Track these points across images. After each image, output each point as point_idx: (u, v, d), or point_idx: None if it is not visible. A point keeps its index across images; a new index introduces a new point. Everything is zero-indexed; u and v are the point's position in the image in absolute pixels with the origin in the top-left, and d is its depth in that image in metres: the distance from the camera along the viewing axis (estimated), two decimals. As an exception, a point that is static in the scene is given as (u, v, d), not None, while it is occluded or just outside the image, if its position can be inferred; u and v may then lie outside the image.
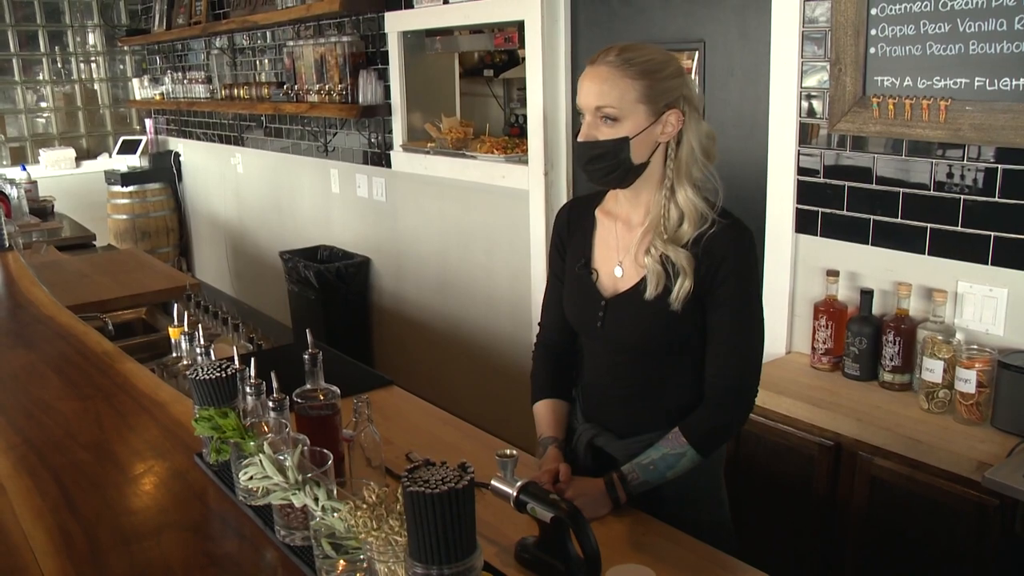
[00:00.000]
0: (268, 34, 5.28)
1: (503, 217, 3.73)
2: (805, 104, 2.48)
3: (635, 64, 1.56)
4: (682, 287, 1.58)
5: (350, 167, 4.73)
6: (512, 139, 3.88)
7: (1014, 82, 2.01)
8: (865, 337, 2.31)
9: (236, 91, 5.40)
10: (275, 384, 1.55)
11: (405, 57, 4.16)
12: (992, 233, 2.13)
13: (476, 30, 3.89)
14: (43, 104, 6.91)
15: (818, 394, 2.28)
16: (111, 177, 6.65)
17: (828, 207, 2.47)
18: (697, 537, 1.56)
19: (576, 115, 3.37)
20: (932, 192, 2.23)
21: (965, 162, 2.16)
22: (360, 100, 4.26)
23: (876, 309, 2.35)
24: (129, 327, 3.22)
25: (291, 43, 4.77)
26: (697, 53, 2.88)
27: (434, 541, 0.98)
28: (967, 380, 2.05)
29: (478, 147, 3.80)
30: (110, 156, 7.02)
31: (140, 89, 6.71)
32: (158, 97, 6.48)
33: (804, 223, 2.54)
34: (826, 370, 2.43)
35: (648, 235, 1.63)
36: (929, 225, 2.25)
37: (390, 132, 4.32)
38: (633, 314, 1.65)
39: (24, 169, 6.15)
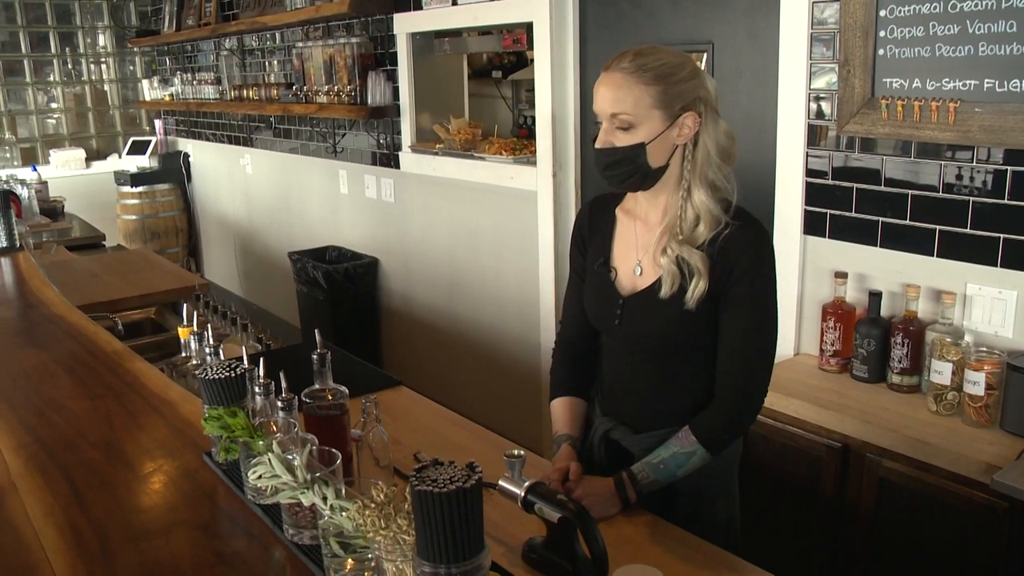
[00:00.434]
0: (277, 35, 5.29)
1: (511, 218, 3.74)
2: (814, 106, 2.48)
3: (649, 69, 1.56)
4: (696, 287, 1.58)
5: (359, 168, 4.74)
6: (520, 140, 3.88)
7: (1024, 84, 2.01)
8: (873, 339, 2.31)
9: (245, 92, 5.42)
10: (284, 384, 1.56)
11: (414, 58, 4.17)
12: (1001, 235, 2.13)
13: (485, 31, 3.89)
14: (53, 105, 6.95)
15: (826, 396, 2.27)
16: (121, 178, 6.68)
17: (837, 209, 2.47)
18: (712, 533, 1.59)
19: (584, 116, 3.37)
20: (941, 194, 2.23)
21: (974, 164, 2.15)
22: (369, 101, 4.27)
23: (884, 311, 2.35)
24: (139, 327, 3.24)
25: (300, 44, 4.79)
26: (705, 55, 2.88)
27: (442, 540, 0.99)
28: (976, 382, 2.04)
29: (486, 148, 3.80)
30: (120, 157, 7.05)
31: (150, 90, 6.74)
32: (167, 98, 6.51)
33: (812, 225, 2.54)
34: (834, 372, 2.43)
35: (666, 235, 1.64)
36: (938, 227, 2.25)
37: (399, 133, 4.32)
38: (650, 313, 1.66)
39: (35, 170, 6.19)
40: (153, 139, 6.97)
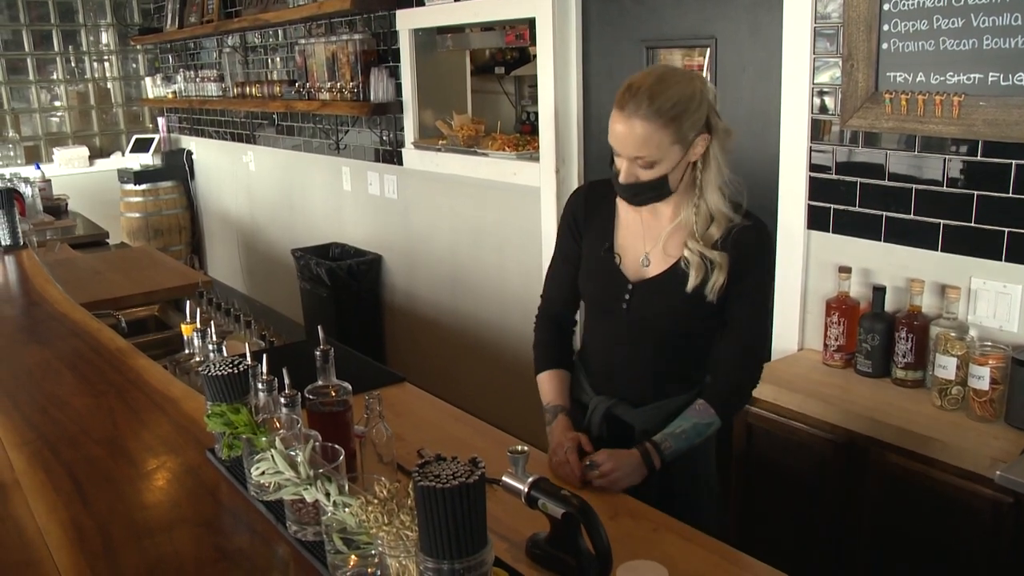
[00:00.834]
0: (280, 32, 5.29)
1: (515, 214, 3.73)
2: (817, 100, 2.47)
3: (665, 112, 1.63)
4: (717, 282, 1.73)
5: (362, 165, 4.74)
6: (523, 136, 3.88)
7: (1028, 77, 2.00)
8: (877, 334, 2.30)
9: (248, 89, 5.42)
10: (287, 380, 1.56)
11: (416, 55, 4.16)
12: (1006, 229, 2.12)
13: (487, 27, 3.89)
14: (57, 103, 6.95)
15: (830, 391, 2.27)
16: (124, 175, 6.68)
17: (840, 203, 2.46)
18: (692, 489, 1.82)
19: (587, 112, 3.37)
20: (945, 188, 2.22)
21: (979, 158, 2.15)
22: (372, 98, 4.27)
23: (888, 306, 2.34)
24: (142, 324, 3.24)
25: (303, 41, 4.78)
26: (708, 50, 2.88)
27: (445, 536, 0.98)
28: (981, 377, 2.04)
29: (489, 144, 3.79)
30: (123, 155, 7.05)
31: (153, 88, 6.75)
32: (170, 95, 6.51)
33: (816, 220, 2.53)
34: (838, 367, 2.42)
35: (680, 231, 1.77)
36: (942, 221, 2.24)
37: (401, 130, 4.32)
38: (660, 299, 1.79)
39: (38, 168, 6.19)
40: (156, 137, 6.97)
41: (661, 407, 1.82)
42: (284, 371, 1.56)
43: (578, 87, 3.38)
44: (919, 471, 2.00)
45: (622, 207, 1.84)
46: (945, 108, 2.14)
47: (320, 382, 1.61)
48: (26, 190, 4.99)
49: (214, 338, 1.97)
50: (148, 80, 6.88)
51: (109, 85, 7.18)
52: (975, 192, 2.16)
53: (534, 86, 3.73)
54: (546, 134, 3.44)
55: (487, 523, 1.05)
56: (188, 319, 2.24)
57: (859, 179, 2.41)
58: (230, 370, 1.57)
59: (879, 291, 2.33)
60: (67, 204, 5.49)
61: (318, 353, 1.61)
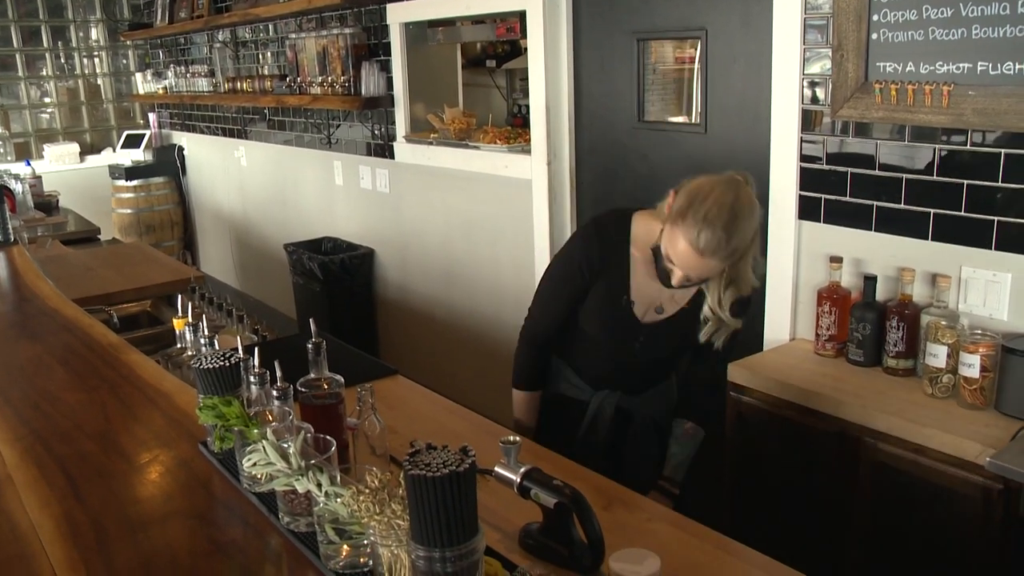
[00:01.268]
0: (270, 27, 5.28)
1: (507, 207, 3.73)
2: (808, 91, 2.47)
3: (737, 251, 1.76)
4: (722, 336, 1.94)
5: (353, 159, 4.73)
6: (515, 129, 3.88)
7: (1017, 66, 2.01)
8: (869, 323, 2.31)
9: (239, 84, 5.40)
10: (279, 373, 1.56)
11: (407, 48, 4.16)
12: (996, 218, 2.13)
13: (478, 20, 3.89)
14: (47, 99, 6.92)
15: (822, 380, 2.28)
16: (115, 171, 6.66)
17: (831, 193, 2.47)
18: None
19: (578, 104, 3.38)
20: (935, 177, 2.23)
21: (968, 147, 2.15)
22: (363, 92, 4.26)
23: (880, 295, 2.35)
24: (134, 320, 3.23)
25: (293, 36, 4.77)
26: (699, 41, 2.88)
27: (436, 524, 0.99)
28: (971, 365, 2.04)
29: (481, 137, 3.79)
30: (114, 150, 7.03)
31: (143, 83, 6.72)
32: (161, 91, 6.49)
33: (807, 210, 2.54)
34: (830, 356, 2.43)
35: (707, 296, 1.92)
36: (932, 210, 2.25)
37: (393, 123, 4.31)
38: (669, 338, 2.01)
39: (28, 164, 6.17)
40: (147, 132, 6.95)
41: (659, 389, 2.10)
42: (276, 363, 1.56)
43: (569, 79, 3.38)
44: (910, 459, 2.01)
45: (637, 259, 1.94)
46: (935, 98, 2.15)
47: (312, 375, 1.61)
48: (16, 187, 4.97)
49: (206, 332, 1.97)
50: (138, 76, 6.86)
51: (99, 81, 7.15)
52: (965, 181, 2.17)
53: (525, 79, 3.73)
54: (537, 127, 3.44)
55: (479, 513, 1.05)
56: (180, 314, 2.23)
57: (850, 169, 2.41)
58: (222, 363, 1.57)
59: (870, 280, 2.33)
60: (58, 200, 5.47)
61: (310, 346, 1.61)
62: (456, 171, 3.96)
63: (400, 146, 4.28)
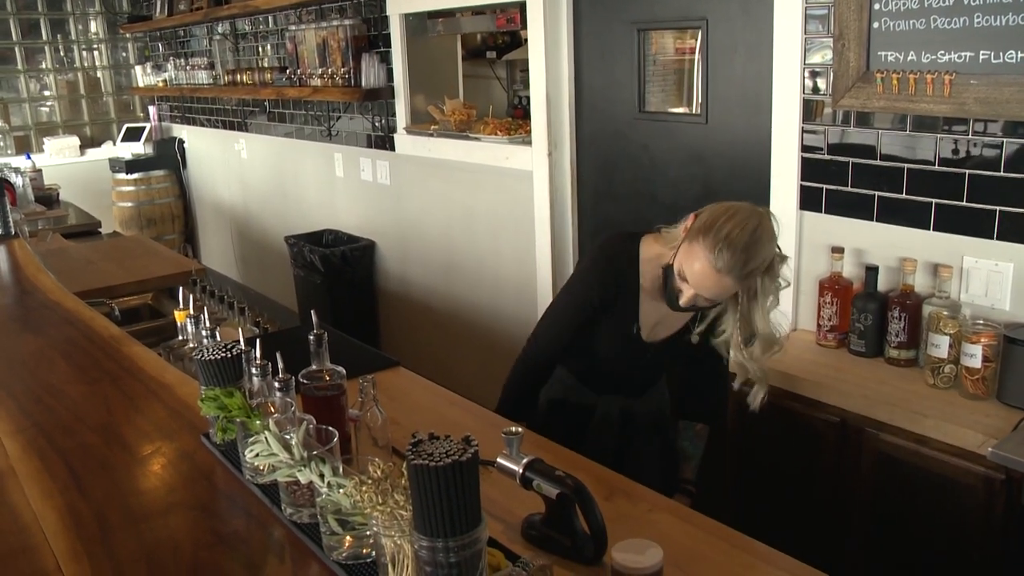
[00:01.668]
0: (270, 19, 5.26)
1: (508, 198, 3.73)
2: (809, 81, 2.47)
3: (752, 272, 1.76)
4: (759, 393, 1.93)
5: (354, 151, 4.72)
6: (515, 120, 3.87)
7: (1019, 55, 2.00)
8: (870, 313, 2.30)
9: (239, 76, 5.39)
10: (280, 365, 1.56)
11: (407, 39, 4.15)
12: (998, 208, 2.12)
13: (478, 11, 3.87)
14: (46, 92, 6.91)
15: (824, 371, 2.28)
16: (116, 165, 6.66)
17: (832, 184, 2.46)
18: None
19: (579, 95, 3.37)
20: (937, 167, 2.22)
21: (970, 136, 2.15)
22: (363, 83, 4.25)
23: (881, 285, 2.34)
24: (135, 313, 3.23)
25: (293, 27, 4.76)
26: (700, 31, 2.87)
27: (439, 514, 0.99)
28: (973, 355, 2.04)
29: (482, 129, 3.79)
30: (114, 144, 7.02)
31: (143, 76, 6.71)
32: (161, 84, 6.48)
33: (808, 200, 2.53)
34: (832, 347, 2.43)
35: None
36: (934, 200, 2.25)
37: (393, 115, 4.31)
38: (674, 353, 2.05)
39: (29, 158, 6.16)
40: (147, 125, 6.94)
41: (658, 387, 2.13)
42: (277, 355, 1.56)
43: (570, 70, 3.37)
44: (912, 449, 2.01)
45: (645, 293, 1.95)
46: (936, 87, 2.14)
47: (314, 367, 1.61)
48: (17, 180, 4.97)
49: (207, 325, 1.97)
50: (138, 69, 6.84)
51: (99, 74, 7.13)
52: (967, 171, 2.17)
53: (525, 70, 3.72)
54: (538, 118, 3.43)
55: (482, 504, 1.05)
56: (181, 305, 2.23)
57: (851, 159, 2.41)
58: (223, 354, 1.57)
59: (872, 271, 2.33)
60: (58, 194, 5.46)
61: (312, 337, 1.61)
62: (457, 163, 3.95)
63: (401, 138, 4.28)
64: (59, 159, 6.68)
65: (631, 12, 3.09)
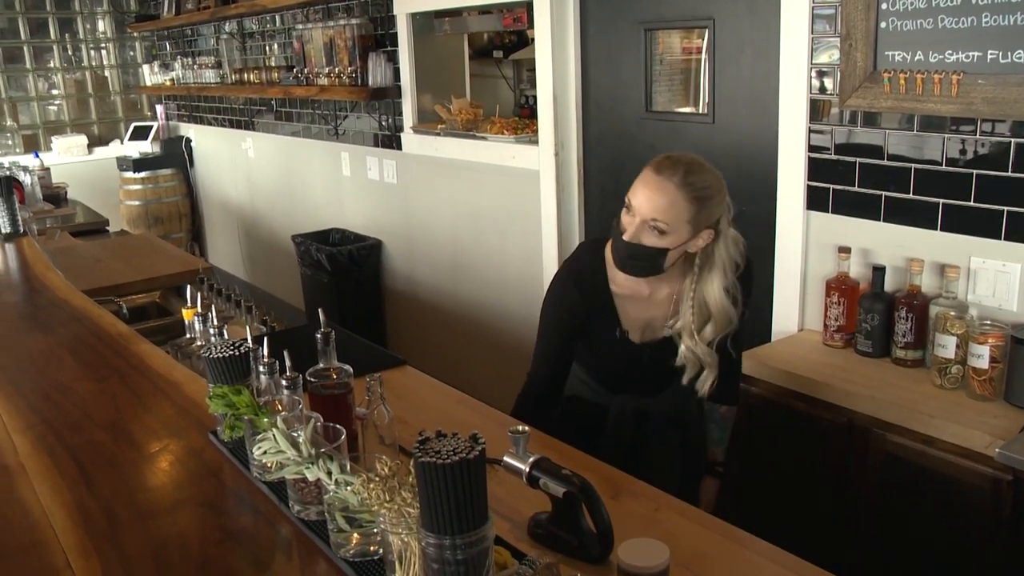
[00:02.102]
0: (277, 18, 5.27)
1: (514, 197, 3.73)
2: (816, 81, 2.46)
3: (696, 189, 1.75)
4: (708, 379, 1.90)
5: (361, 150, 4.73)
6: (522, 120, 3.87)
7: (1027, 55, 2.00)
8: (877, 314, 2.30)
9: (246, 75, 5.40)
10: (288, 363, 1.56)
11: (414, 39, 4.15)
12: (1005, 208, 2.12)
13: (485, 11, 3.87)
14: (54, 91, 6.93)
15: (830, 371, 2.27)
16: (123, 163, 6.68)
17: (839, 184, 2.46)
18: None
19: (586, 95, 3.37)
20: (944, 167, 2.22)
21: (978, 136, 2.14)
22: (370, 83, 4.26)
23: (888, 286, 2.34)
24: (143, 311, 3.24)
25: (300, 26, 4.77)
26: (707, 31, 2.87)
27: (446, 511, 0.99)
28: (980, 356, 2.04)
29: (488, 128, 3.79)
30: (122, 142, 7.04)
31: (150, 75, 6.73)
32: (168, 83, 6.49)
33: (815, 200, 2.53)
34: (838, 347, 2.43)
35: (678, 303, 1.91)
36: (941, 200, 2.24)
37: (400, 114, 4.31)
38: (673, 353, 1.95)
39: (37, 156, 6.19)
40: (155, 124, 6.96)
41: (673, 389, 2.03)
42: (285, 353, 1.56)
43: (576, 70, 3.37)
44: (919, 450, 2.00)
45: (618, 294, 1.94)
46: (944, 87, 2.14)
47: (321, 365, 1.62)
48: (25, 178, 4.99)
49: (215, 322, 1.98)
50: (146, 67, 6.87)
51: (107, 73, 7.16)
52: (974, 171, 2.16)
53: (532, 69, 3.73)
54: (544, 117, 3.44)
55: (488, 502, 1.06)
56: (189, 303, 2.24)
57: (858, 159, 2.40)
58: (231, 352, 1.57)
59: (879, 271, 2.33)
60: (66, 192, 5.49)
61: (319, 336, 1.61)
62: (463, 162, 3.96)
63: (407, 137, 4.28)
64: (67, 158, 6.71)
65: (638, 12, 3.09)
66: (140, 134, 6.90)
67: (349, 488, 1.19)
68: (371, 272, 4.73)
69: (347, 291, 4.64)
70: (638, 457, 1.99)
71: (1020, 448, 1.81)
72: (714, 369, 1.89)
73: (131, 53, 7.25)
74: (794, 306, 2.61)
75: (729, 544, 1.45)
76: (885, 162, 2.34)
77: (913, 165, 2.28)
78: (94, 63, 7.07)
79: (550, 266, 3.57)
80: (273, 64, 5.32)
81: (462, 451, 1.00)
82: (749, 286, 1.93)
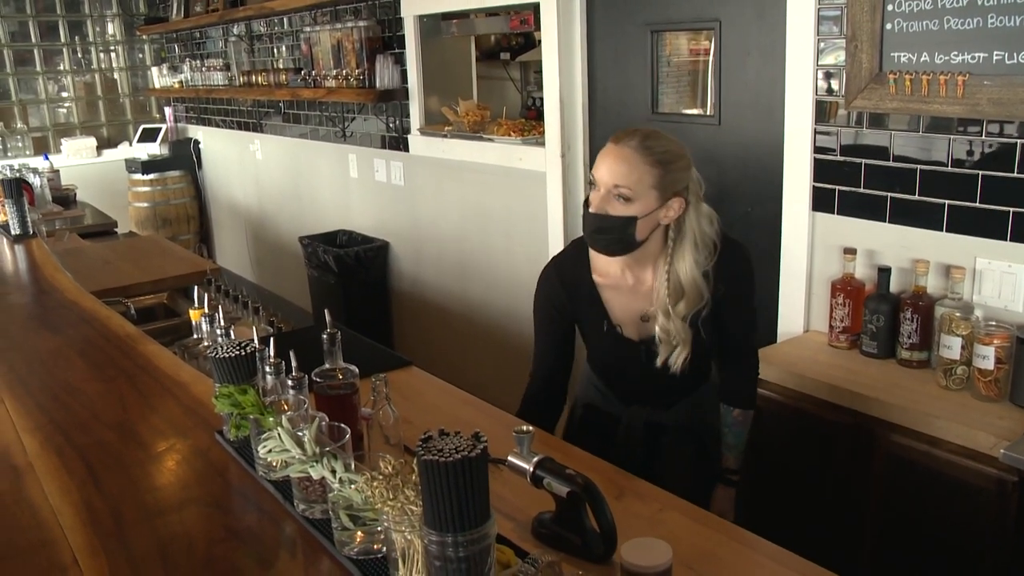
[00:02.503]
0: (285, 20, 5.29)
1: (521, 199, 3.74)
2: (822, 82, 2.47)
3: (655, 153, 1.73)
4: (680, 356, 1.84)
5: (368, 152, 4.75)
6: (529, 122, 3.88)
7: (1033, 56, 2.00)
8: (883, 315, 2.30)
9: (254, 78, 5.42)
10: (294, 363, 1.57)
11: (421, 41, 4.17)
12: (1011, 209, 2.12)
13: (492, 13, 3.88)
14: (64, 94, 6.97)
15: (836, 372, 2.27)
16: (132, 165, 6.70)
17: (845, 185, 2.46)
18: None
19: (592, 97, 3.37)
20: (950, 168, 2.22)
21: (984, 137, 2.14)
22: (377, 85, 4.27)
23: (894, 287, 2.34)
24: (151, 312, 3.26)
25: (308, 29, 4.79)
26: (713, 33, 2.87)
27: (448, 509, 1.00)
28: (985, 357, 2.04)
29: (495, 130, 3.80)
30: (131, 144, 7.07)
31: (159, 77, 6.75)
32: (177, 85, 6.52)
33: (821, 201, 2.53)
34: (844, 348, 2.43)
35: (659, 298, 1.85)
36: (947, 202, 2.24)
37: (407, 116, 4.32)
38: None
39: (46, 158, 6.22)
40: (163, 126, 6.99)
41: (689, 401, 2.00)
42: (291, 354, 1.57)
43: (583, 72, 3.38)
44: (924, 451, 2.00)
45: (601, 283, 1.91)
46: (949, 88, 2.14)
47: (327, 365, 1.63)
48: (35, 180, 5.02)
49: (222, 323, 1.99)
50: (154, 70, 6.89)
51: (116, 75, 7.19)
52: (980, 172, 2.16)
53: (539, 71, 3.73)
54: (551, 119, 3.44)
55: (492, 502, 1.06)
56: (196, 304, 2.25)
57: (864, 160, 2.40)
58: (237, 352, 1.58)
59: (884, 272, 2.33)
60: (75, 194, 5.52)
61: (325, 336, 1.62)
62: (470, 164, 3.97)
63: (414, 139, 4.29)
64: (76, 160, 6.74)
65: (644, 14, 3.09)
66: (149, 136, 6.93)
67: (353, 486, 1.20)
68: (378, 273, 4.74)
69: (354, 292, 4.66)
70: (651, 469, 1.91)
71: (1025, 449, 1.80)
72: (687, 346, 1.83)
73: (140, 56, 7.28)
74: (799, 307, 2.61)
75: (733, 544, 1.45)
76: (891, 163, 2.34)
77: (919, 166, 2.28)
78: (103, 66, 7.10)
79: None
80: (281, 66, 5.33)
81: (464, 449, 1.00)
82: (734, 266, 1.87)
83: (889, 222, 2.37)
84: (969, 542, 1.96)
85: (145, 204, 6.71)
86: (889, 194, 2.36)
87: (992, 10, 2.04)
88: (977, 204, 2.18)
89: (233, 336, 1.94)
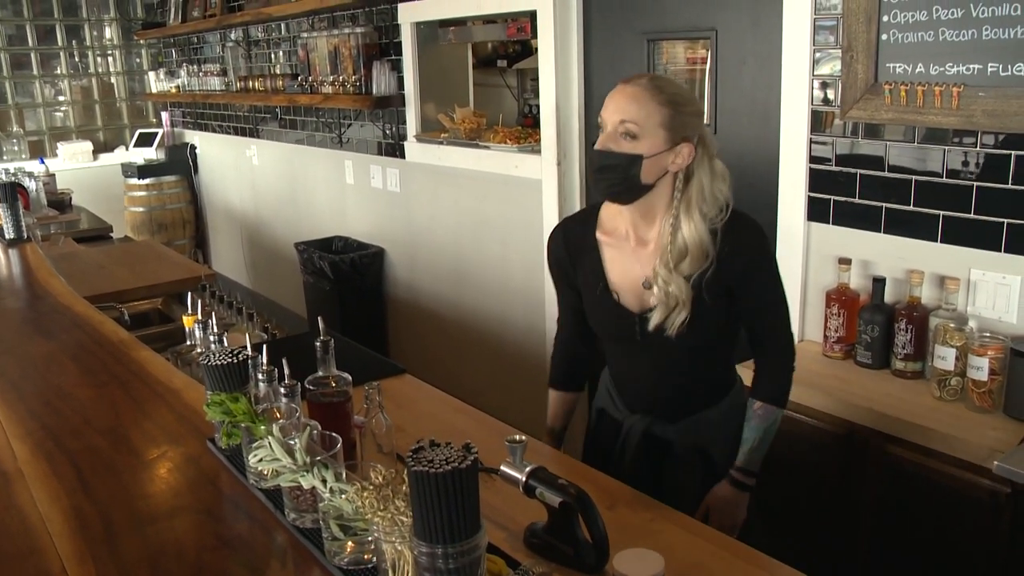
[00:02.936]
0: (282, 26, 5.30)
1: (517, 207, 3.74)
2: (818, 92, 2.47)
3: (664, 92, 1.67)
4: (679, 317, 1.71)
5: (364, 158, 4.74)
6: (525, 129, 3.88)
7: (1028, 68, 2.00)
8: (877, 325, 2.30)
9: (251, 83, 5.42)
10: (287, 371, 1.57)
11: (418, 48, 4.17)
12: (1005, 220, 2.12)
13: (489, 20, 3.89)
14: (60, 98, 6.97)
15: (830, 382, 2.27)
16: (128, 170, 6.70)
17: (840, 195, 2.46)
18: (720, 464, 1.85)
19: (589, 105, 3.38)
20: (945, 179, 2.22)
21: (978, 148, 2.15)
22: (374, 91, 4.27)
23: (888, 297, 2.34)
24: (145, 317, 3.25)
25: (305, 35, 4.79)
26: (709, 42, 2.88)
27: (438, 521, 0.99)
28: (980, 368, 2.04)
29: (491, 137, 3.80)
30: (127, 149, 7.07)
31: (156, 82, 6.75)
32: (174, 90, 6.52)
33: (816, 211, 2.53)
34: (838, 358, 2.43)
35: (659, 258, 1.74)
36: (942, 212, 2.24)
37: (404, 123, 4.33)
38: (679, 338, 1.75)
39: (42, 162, 6.21)
40: (160, 131, 6.98)
41: (698, 419, 1.85)
42: (284, 361, 1.57)
43: (579, 80, 3.38)
44: (918, 462, 2.00)
45: (604, 240, 1.82)
46: (944, 99, 2.14)
47: (320, 373, 1.62)
48: (30, 184, 5.01)
49: (215, 330, 1.98)
50: (151, 75, 6.89)
51: (113, 80, 7.19)
52: (974, 183, 2.16)
53: (536, 79, 3.73)
54: (547, 127, 3.45)
55: (484, 511, 1.06)
56: (189, 311, 2.25)
57: (859, 170, 2.41)
58: (229, 359, 1.58)
59: (879, 282, 2.33)
60: (71, 198, 5.50)
61: (318, 344, 1.62)
62: (466, 171, 3.97)
63: (411, 145, 4.29)
64: (72, 164, 6.73)
65: (641, 22, 3.10)
66: (145, 141, 6.92)
67: (344, 496, 1.19)
68: (373, 280, 4.74)
69: (349, 299, 4.65)
70: (653, 484, 1.79)
71: (1019, 460, 1.80)
72: (686, 307, 1.69)
73: (137, 60, 7.28)
74: (794, 317, 2.60)
75: (725, 555, 1.45)
76: (886, 174, 2.35)
77: (914, 177, 2.29)
78: (100, 70, 7.10)
79: (552, 275, 3.57)
80: (278, 72, 5.34)
81: (455, 460, 1.00)
82: (747, 235, 1.73)
83: (884, 232, 2.37)
84: (962, 553, 1.96)
85: (141, 209, 6.70)
86: (884, 204, 2.36)
87: (987, 22, 2.05)
88: (972, 215, 2.18)
89: (227, 342, 1.93)
